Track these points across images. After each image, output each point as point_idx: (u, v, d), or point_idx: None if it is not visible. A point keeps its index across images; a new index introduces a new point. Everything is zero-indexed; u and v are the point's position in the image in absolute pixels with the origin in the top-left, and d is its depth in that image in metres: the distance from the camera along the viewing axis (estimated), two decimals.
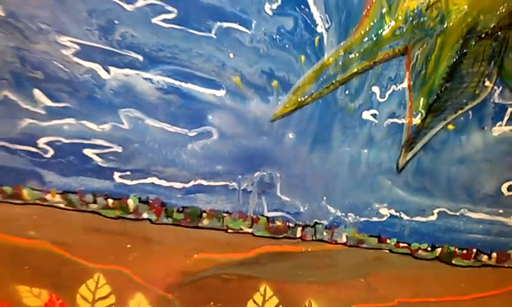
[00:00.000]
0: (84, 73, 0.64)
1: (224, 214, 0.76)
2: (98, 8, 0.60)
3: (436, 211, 0.71)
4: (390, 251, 0.76)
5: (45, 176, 0.74)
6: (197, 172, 0.72)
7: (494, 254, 0.75)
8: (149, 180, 0.73)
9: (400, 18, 0.59)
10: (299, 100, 0.65)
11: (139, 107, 0.66)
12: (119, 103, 0.66)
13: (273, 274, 0.82)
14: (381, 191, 0.70)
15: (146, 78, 0.64)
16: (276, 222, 0.75)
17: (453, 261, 0.76)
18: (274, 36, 0.61)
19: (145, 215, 0.77)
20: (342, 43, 0.61)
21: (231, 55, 0.62)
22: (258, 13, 0.59)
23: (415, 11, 0.59)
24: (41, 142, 0.71)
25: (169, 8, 0.59)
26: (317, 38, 0.60)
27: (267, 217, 0.75)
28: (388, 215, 0.72)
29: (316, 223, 0.74)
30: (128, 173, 0.72)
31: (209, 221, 0.76)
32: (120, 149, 0.70)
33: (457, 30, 0.59)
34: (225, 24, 0.60)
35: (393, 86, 0.63)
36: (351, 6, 0.59)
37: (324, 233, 0.75)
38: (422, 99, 0.63)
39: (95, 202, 0.76)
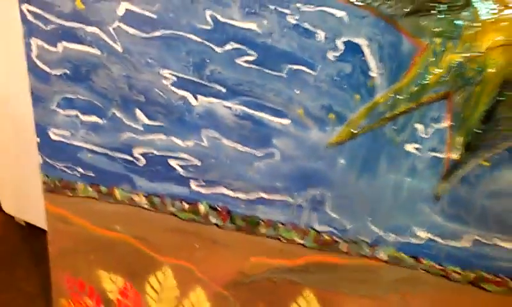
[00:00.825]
0: (177, 100, 0.77)
1: (279, 225, 0.84)
2: (195, 49, 0.73)
3: (470, 238, 0.77)
4: (427, 271, 0.82)
5: (136, 180, 0.86)
6: (259, 186, 0.81)
7: None
8: (219, 190, 0.83)
9: (443, 68, 0.68)
10: (352, 131, 0.74)
11: (218, 129, 0.78)
12: (202, 125, 0.77)
13: (317, 283, 0.86)
14: (420, 216, 0.77)
15: (226, 106, 0.76)
16: (324, 236, 0.83)
17: (485, 287, 0.81)
18: (335, 78, 0.71)
19: (213, 220, 0.86)
20: (392, 86, 0.70)
21: (297, 92, 0.73)
22: (323, 59, 0.70)
23: (457, 63, 0.67)
24: (136, 152, 0.83)
25: (251, 52, 0.71)
26: (370, 81, 0.70)
27: (317, 231, 0.82)
28: (426, 238, 0.78)
29: (360, 240, 0.81)
30: (203, 182, 0.83)
31: (266, 230, 0.84)
32: (198, 163, 0.81)
33: (494, 80, 0.67)
34: (294, 66, 0.71)
35: (435, 125, 0.71)
36: (402, 56, 0.68)
37: (367, 250, 0.82)
38: (460, 138, 0.71)
39: (173, 205, 0.87)
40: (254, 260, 0.88)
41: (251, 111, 0.75)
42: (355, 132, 0.74)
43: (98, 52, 0.77)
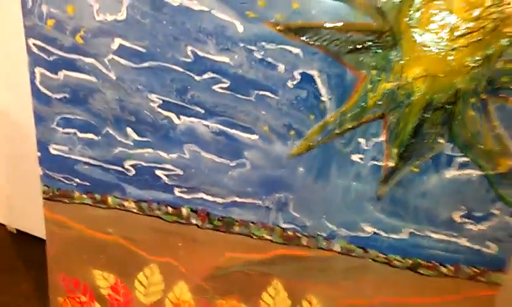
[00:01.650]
0: (163, 119, 0.88)
1: (251, 224, 0.95)
2: (178, 78, 0.85)
3: (407, 231, 0.91)
4: (373, 259, 0.95)
5: (126, 188, 0.96)
6: (233, 191, 0.92)
7: (451, 267, 0.94)
8: (199, 195, 0.93)
9: (379, 94, 0.82)
10: (309, 145, 0.88)
11: (197, 143, 0.89)
12: (184, 140, 0.88)
13: (284, 273, 0.97)
14: (366, 214, 0.89)
15: (204, 125, 0.87)
16: (288, 232, 0.96)
17: (420, 271, 0.95)
18: (293, 102, 0.84)
19: (194, 221, 0.96)
20: (339, 108, 0.84)
21: (263, 113, 0.86)
22: (283, 86, 0.83)
23: (390, 90, 0.82)
24: (127, 164, 0.93)
25: (224, 80, 0.83)
26: (322, 104, 0.84)
27: (282, 228, 0.94)
28: (371, 232, 0.92)
29: (317, 235, 0.94)
30: (185, 189, 0.94)
31: (239, 228, 0.95)
32: (181, 172, 0.92)
33: (419, 103, 0.82)
34: (261, 92, 0.83)
35: (374, 139, 0.85)
36: (346, 85, 0.81)
37: (323, 243, 0.95)
38: (395, 149, 0.86)
39: (159, 209, 0.98)
40: (229, 255, 0.99)
41: (225, 128, 0.88)
42: (311, 145, 0.88)
43: (94, 79, 0.88)
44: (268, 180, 0.90)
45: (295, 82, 0.82)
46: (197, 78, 0.83)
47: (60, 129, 0.92)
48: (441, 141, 0.83)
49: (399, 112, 0.82)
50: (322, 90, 0.82)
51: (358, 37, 0.78)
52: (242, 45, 0.81)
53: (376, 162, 0.86)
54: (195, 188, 0.93)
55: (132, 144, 0.90)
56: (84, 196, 0.98)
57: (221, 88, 0.84)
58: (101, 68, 0.86)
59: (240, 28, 0.80)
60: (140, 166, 0.92)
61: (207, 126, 0.87)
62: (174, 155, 0.90)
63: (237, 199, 0.93)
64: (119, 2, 0.81)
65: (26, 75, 0.88)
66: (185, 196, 0.94)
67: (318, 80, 0.81)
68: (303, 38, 0.79)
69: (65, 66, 0.87)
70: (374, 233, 0.91)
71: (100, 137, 0.91)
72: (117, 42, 0.83)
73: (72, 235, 1.02)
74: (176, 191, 0.93)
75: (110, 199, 0.97)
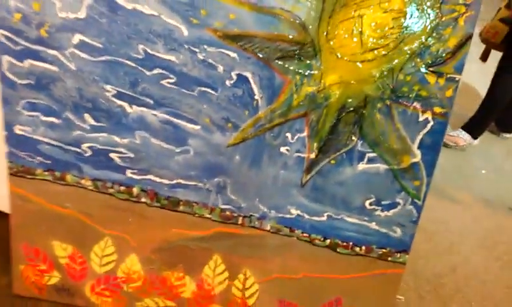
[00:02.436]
0: (116, 107, 0.98)
1: (194, 204, 1.05)
2: (131, 71, 0.94)
3: (325, 214, 1.05)
4: (298, 238, 1.07)
5: (83, 168, 1.03)
6: (179, 174, 1.02)
7: (363, 247, 1.08)
8: (148, 176, 1.02)
9: (302, 96, 0.95)
10: (244, 136, 1.00)
11: (147, 130, 0.98)
12: (135, 127, 0.97)
13: (222, 248, 1.08)
14: (292, 198, 1.01)
15: (153, 114, 0.97)
16: (226, 212, 1.06)
17: (338, 250, 1.08)
18: (230, 98, 0.96)
19: (143, 200, 1.05)
20: (269, 106, 0.96)
21: (205, 106, 0.97)
22: (222, 85, 0.94)
23: (311, 93, 0.95)
24: (84, 146, 1.01)
25: (171, 76, 0.93)
26: (255, 102, 0.96)
27: (221, 208, 1.05)
28: (296, 214, 1.05)
29: (251, 215, 1.06)
30: (135, 170, 1.03)
31: (183, 207, 1.05)
32: (132, 155, 1.02)
33: (335, 105, 0.95)
34: (203, 88, 0.94)
35: (299, 134, 0.98)
36: (275, 86, 0.92)
37: (256, 223, 1.06)
38: (315, 143, 0.99)
39: (112, 188, 1.07)
40: (174, 231, 1.08)
41: (171, 118, 0.98)
42: (246, 136, 1.00)
43: (56, 69, 0.97)
44: (209, 165, 1.01)
45: (232, 82, 0.94)
46: (147, 73, 0.94)
47: (25, 112, 1.01)
48: (354, 138, 0.96)
49: (318, 112, 0.95)
50: (255, 90, 0.94)
51: (284, 46, 0.90)
52: (186, 46, 0.92)
53: (300, 154, 0.98)
54: (145, 170, 1.03)
55: (89, 128, 1.00)
56: (46, 172, 1.06)
57: (168, 83, 0.95)
58: (63, 60, 0.95)
59: (185, 32, 0.91)
60: (96, 148, 1.02)
61: (156, 115, 0.97)
62: (126, 140, 1.00)
63: (182, 181, 1.03)
64: (79, 2, 0.91)
65: None
66: (136, 177, 1.04)
67: (251, 81, 0.93)
68: (239, 44, 0.91)
69: (30, 56, 0.96)
70: (298, 215, 1.03)
71: (60, 121, 1.00)
72: (77, 37, 0.93)
73: (33, 208, 1.10)
74: (128, 172, 1.03)
75: (68, 177, 1.06)
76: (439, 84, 0.90)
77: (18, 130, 1.03)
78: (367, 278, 1.07)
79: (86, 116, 0.99)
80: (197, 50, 0.91)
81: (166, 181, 1.03)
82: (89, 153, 1.02)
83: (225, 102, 0.94)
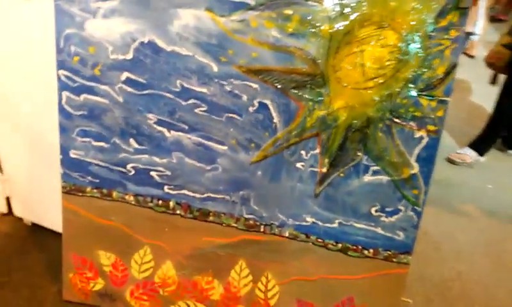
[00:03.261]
0: (157, 132, 1.14)
1: (222, 214, 1.18)
2: (169, 102, 1.11)
3: (337, 221, 1.18)
4: (313, 243, 1.19)
5: (127, 185, 1.19)
6: (209, 189, 1.15)
7: (371, 250, 1.20)
8: (183, 191, 1.15)
9: (314, 119, 1.11)
10: (265, 154, 1.15)
11: (183, 152, 1.13)
12: (172, 149, 1.13)
13: (246, 254, 1.19)
14: (307, 208, 1.14)
15: (188, 137, 1.14)
16: (250, 221, 1.19)
17: (349, 253, 1.20)
18: (253, 122, 1.12)
19: (178, 212, 1.18)
20: (286, 128, 1.12)
21: (231, 130, 1.13)
22: (246, 111, 1.09)
23: (322, 116, 1.11)
24: (129, 166, 1.17)
25: (203, 105, 1.11)
26: (274, 124, 1.12)
27: (245, 218, 1.17)
28: (311, 222, 1.18)
29: (272, 223, 1.19)
30: (172, 186, 1.18)
31: (213, 218, 1.17)
32: (169, 173, 1.18)
33: (343, 126, 1.11)
34: (230, 114, 1.10)
35: (312, 151, 1.13)
36: (291, 111, 1.08)
37: (276, 230, 1.18)
38: (326, 159, 1.14)
39: (151, 202, 1.23)
40: (205, 239, 1.20)
41: (203, 141, 1.14)
42: (267, 155, 1.15)
43: (107, 101, 1.15)
44: (235, 180, 1.15)
45: (254, 108, 1.10)
46: (183, 103, 1.11)
47: (79, 138, 1.18)
48: (359, 154, 1.11)
49: (328, 132, 1.10)
50: (274, 114, 1.10)
51: (298, 78, 1.07)
52: (216, 80, 1.09)
53: (313, 169, 1.13)
54: (180, 185, 1.18)
55: (133, 150, 1.16)
56: (94, 190, 1.22)
57: (201, 111, 1.11)
58: (112, 94, 1.13)
59: (215, 68, 1.08)
60: (138, 168, 1.17)
61: (190, 138, 1.13)
62: (164, 160, 1.16)
63: (211, 194, 1.17)
64: (128, 46, 1.09)
65: (54, 97, 1.14)
66: (172, 192, 1.18)
67: (271, 107, 1.09)
68: (260, 77, 1.08)
69: (85, 91, 1.14)
70: (313, 222, 1.16)
71: (109, 145, 1.17)
72: (125, 75, 1.11)
73: (82, 221, 1.24)
74: (166, 188, 1.18)
75: (114, 193, 1.21)
76: (431, 105, 1.05)
77: (72, 154, 1.20)
78: (375, 278, 1.17)
79: (131, 140, 1.15)
80: (225, 83, 1.08)
81: (197, 195, 1.18)
82: (132, 172, 1.18)
83: (249, 125, 1.10)
